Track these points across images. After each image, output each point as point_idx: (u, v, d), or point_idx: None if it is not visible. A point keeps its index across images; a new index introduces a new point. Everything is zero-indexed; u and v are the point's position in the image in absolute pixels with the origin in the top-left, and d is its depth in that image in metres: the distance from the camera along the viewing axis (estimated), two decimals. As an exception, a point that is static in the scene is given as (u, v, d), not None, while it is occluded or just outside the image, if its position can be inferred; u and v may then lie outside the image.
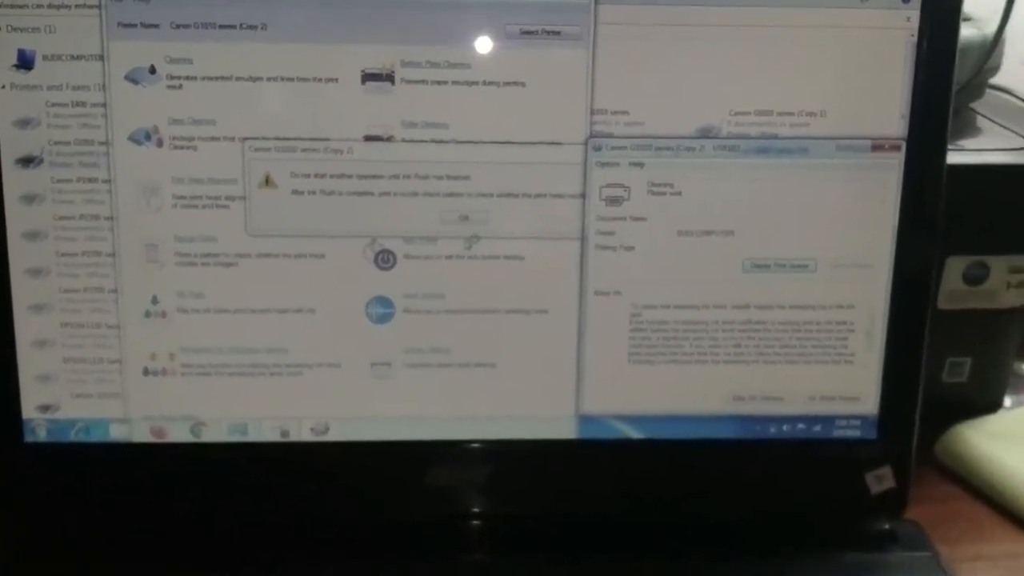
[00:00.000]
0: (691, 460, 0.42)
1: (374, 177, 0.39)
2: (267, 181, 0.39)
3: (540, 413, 0.41)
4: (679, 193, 0.40)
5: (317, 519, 0.41)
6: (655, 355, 0.41)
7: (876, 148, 0.40)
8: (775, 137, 0.40)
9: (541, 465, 0.42)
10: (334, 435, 0.41)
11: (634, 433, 0.42)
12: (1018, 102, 0.71)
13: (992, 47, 0.53)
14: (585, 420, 0.42)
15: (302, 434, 0.41)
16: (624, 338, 0.41)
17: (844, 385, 0.42)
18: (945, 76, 0.40)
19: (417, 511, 0.42)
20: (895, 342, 0.42)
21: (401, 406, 0.41)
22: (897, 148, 0.40)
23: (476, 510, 0.42)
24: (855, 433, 0.42)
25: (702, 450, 0.42)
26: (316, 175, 0.39)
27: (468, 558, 0.40)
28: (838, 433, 0.42)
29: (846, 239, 0.41)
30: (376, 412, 0.41)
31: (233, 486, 0.41)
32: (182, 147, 0.39)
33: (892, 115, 0.40)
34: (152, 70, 0.38)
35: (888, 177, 0.40)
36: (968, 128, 0.54)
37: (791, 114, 0.40)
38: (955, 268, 0.49)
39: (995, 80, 0.70)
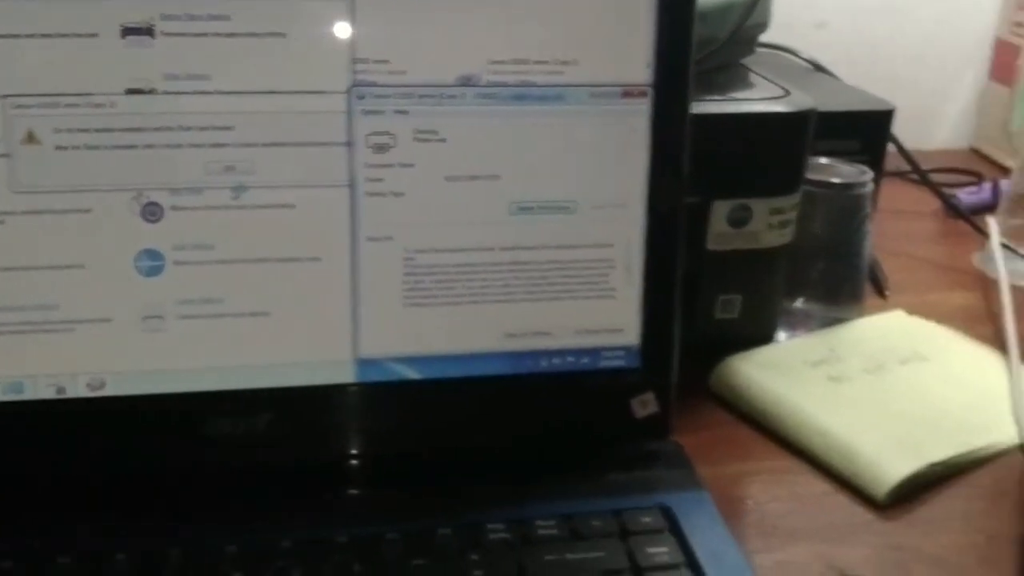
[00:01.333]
0: (468, 396, 0.44)
1: (137, 130, 0.39)
2: (30, 138, 0.39)
3: (318, 359, 0.43)
4: (444, 140, 0.42)
5: (96, 474, 0.41)
6: (429, 298, 0.43)
7: (626, 95, 0.43)
8: (532, 85, 0.42)
9: (323, 410, 0.43)
10: (110, 390, 0.41)
11: (412, 374, 0.44)
12: (800, 62, 0.76)
13: (753, 4, 0.56)
14: (363, 364, 0.43)
15: (78, 390, 0.41)
16: (398, 282, 0.43)
17: (607, 318, 0.45)
18: (686, 28, 0.43)
19: (198, 461, 0.42)
20: (652, 277, 0.45)
21: (176, 359, 0.41)
22: (644, 94, 0.43)
23: (258, 458, 0.43)
24: (619, 363, 0.45)
25: (478, 386, 0.44)
26: (79, 130, 0.39)
27: (254, 503, 0.41)
28: (604, 363, 0.45)
29: (603, 181, 0.43)
30: (151, 365, 0.41)
31: (10, 445, 0.41)
32: (-62, 103, 0.38)
33: (639, 64, 0.43)
34: (-94, 28, 0.38)
35: (638, 122, 0.43)
36: (738, 81, 0.58)
37: (546, 63, 0.42)
38: (720, 211, 0.53)
39: (780, 41, 0.75)
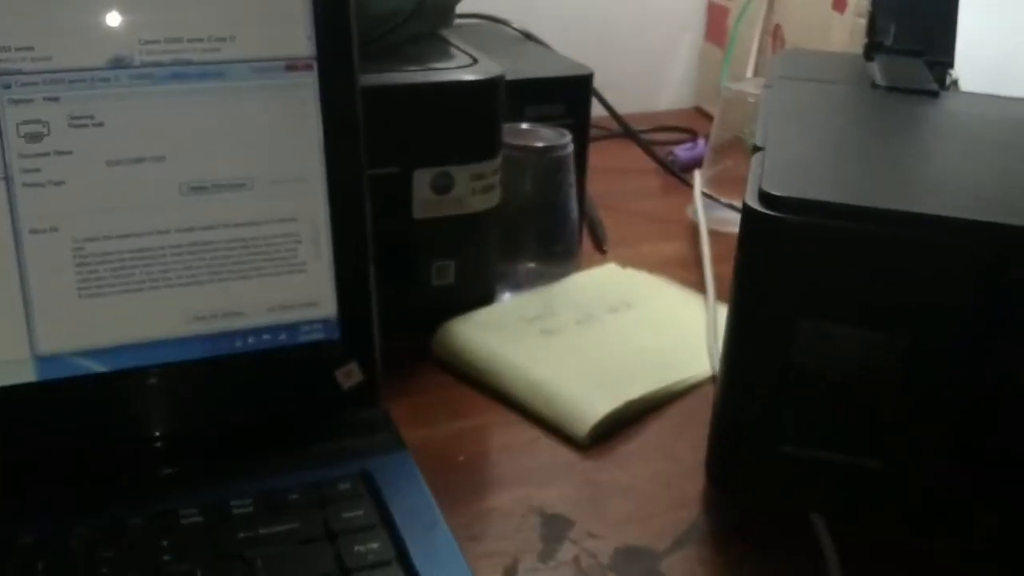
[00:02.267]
0: (162, 384, 0.43)
1: None
2: None
3: (-8, 360, 0.41)
4: (101, 124, 0.41)
5: None
6: (105, 287, 0.42)
7: (290, 68, 0.43)
8: (189, 63, 0.41)
9: (4, 412, 0.41)
10: None
11: (98, 367, 0.42)
12: (513, 32, 0.79)
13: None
14: (44, 361, 0.42)
15: None
16: (70, 274, 0.41)
17: (300, 293, 0.45)
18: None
19: None
20: (343, 248, 0.45)
21: None
22: (309, 67, 0.43)
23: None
24: (319, 336, 0.46)
25: (171, 373, 0.43)
26: None
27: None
28: (303, 338, 0.45)
29: (278, 156, 0.44)
30: None
31: None
32: None
33: (300, 37, 0.43)
34: None
35: (305, 95, 0.43)
36: (434, 51, 0.59)
37: (201, 40, 0.41)
38: (423, 179, 0.54)
39: (491, 12, 0.77)
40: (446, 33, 0.62)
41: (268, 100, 0.43)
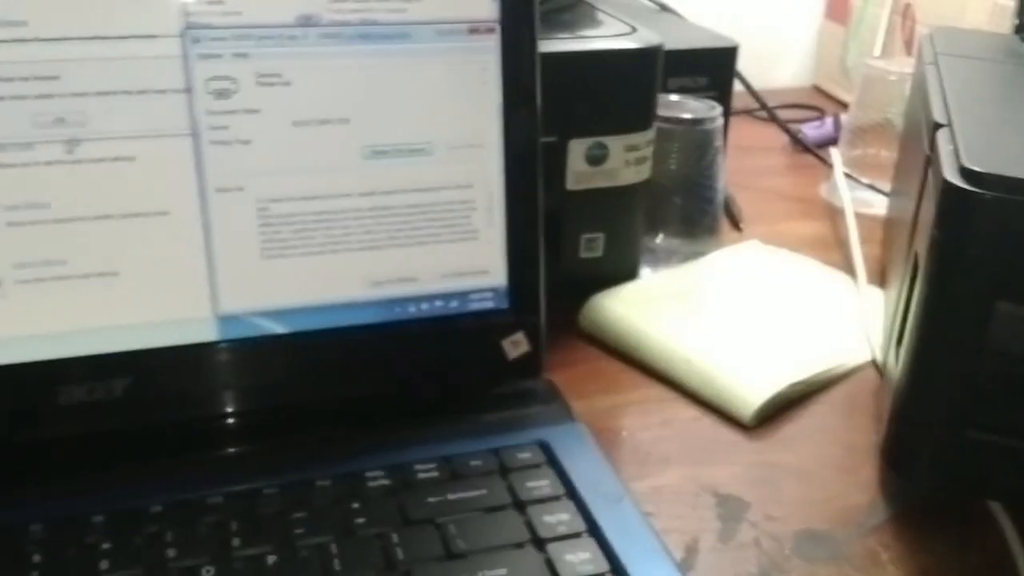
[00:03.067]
0: (337, 347, 0.43)
1: (-47, 83, 0.37)
2: None
3: (176, 318, 0.41)
4: (288, 83, 0.40)
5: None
6: (288, 248, 0.42)
7: (473, 31, 0.42)
8: (375, 23, 0.41)
9: (185, 370, 0.41)
10: (-51, 366, 0.38)
11: (277, 328, 0.42)
12: (645, 1, 0.77)
13: (597, -57, 0.57)
14: (225, 320, 0.42)
15: (-88, 365, 0.38)
16: (254, 234, 0.41)
17: (472, 261, 0.44)
18: (530, -39, 0.43)
19: (55, 432, 0.40)
20: (515, 217, 0.44)
21: (20, 325, 0.39)
22: (492, 30, 0.42)
23: (119, 424, 0.41)
24: (488, 304, 0.45)
25: (346, 336, 0.43)
26: None
27: (120, 470, 0.39)
28: (473, 306, 0.45)
29: (458, 121, 0.43)
30: (-8, 335, 0.39)
31: None
32: None
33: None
34: None
35: (487, 59, 0.43)
36: (586, 20, 0.58)
37: (388, 0, 0.41)
38: (577, 150, 0.53)
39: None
40: (592, 2, 0.61)
41: (450, 63, 0.42)
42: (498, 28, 0.42)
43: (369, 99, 0.41)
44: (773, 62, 1.05)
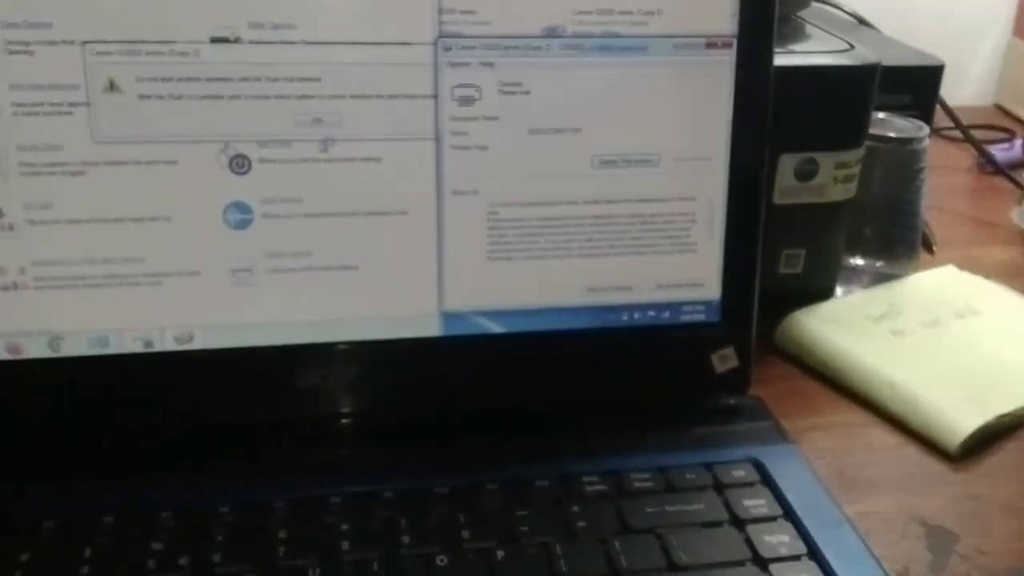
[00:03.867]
0: (551, 350, 0.44)
1: (223, 80, 0.39)
2: (111, 86, 0.38)
3: (404, 312, 0.42)
4: (528, 92, 0.41)
5: (185, 429, 0.41)
6: (513, 251, 0.43)
7: (710, 46, 0.42)
8: (616, 36, 0.41)
9: (408, 363, 0.43)
10: (199, 344, 0.41)
11: (496, 327, 0.43)
12: (842, 15, 0.76)
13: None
14: (448, 317, 0.43)
15: (165, 344, 0.41)
16: (482, 236, 0.42)
17: (689, 272, 0.45)
18: (770, -24, 0.42)
19: (290, 414, 0.42)
20: (733, 231, 0.44)
21: (265, 312, 0.41)
22: (729, 45, 0.42)
23: (346, 410, 0.43)
24: (700, 317, 0.45)
25: (561, 340, 0.44)
26: (162, 79, 0.38)
27: (340, 452, 0.41)
28: (685, 318, 0.45)
29: (686, 134, 0.43)
30: (240, 319, 0.41)
31: (97, 400, 0.41)
32: (18, 52, 0.37)
33: (724, 14, 0.42)
34: (-21, -30, 0.37)
35: (722, 73, 0.43)
36: (797, 34, 0.57)
37: (630, 13, 0.41)
38: (787, 165, 0.53)
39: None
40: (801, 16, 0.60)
41: (685, 77, 0.42)
42: (735, 43, 0.42)
43: (602, 109, 0.42)
44: (955, 79, 1.01)
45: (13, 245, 0.39)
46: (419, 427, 0.42)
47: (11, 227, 0.39)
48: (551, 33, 0.41)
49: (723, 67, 0.43)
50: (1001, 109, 1.01)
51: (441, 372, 0.44)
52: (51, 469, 0.39)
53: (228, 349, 0.41)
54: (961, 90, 1.02)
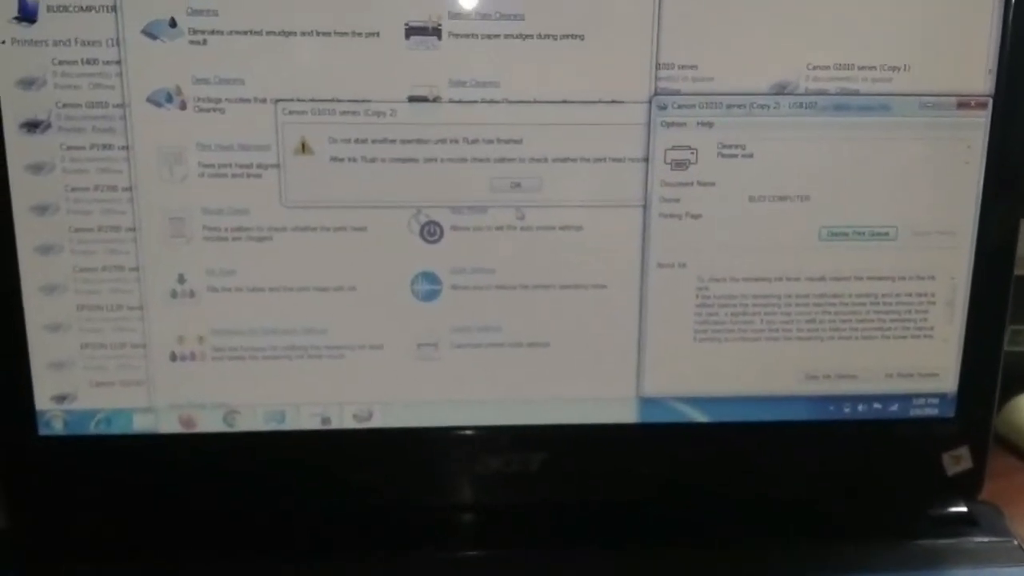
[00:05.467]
0: (760, 443, 0.39)
1: (419, 142, 0.36)
2: (303, 147, 0.36)
3: (598, 395, 0.39)
4: (751, 155, 0.37)
5: (361, 511, 0.38)
6: (722, 332, 0.38)
7: (962, 105, 0.37)
8: (856, 93, 0.36)
9: (600, 451, 0.39)
10: (378, 421, 0.38)
11: (699, 416, 0.39)
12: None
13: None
14: (647, 403, 0.39)
15: (344, 421, 0.38)
16: (689, 314, 0.38)
17: (922, 361, 0.39)
18: (1037, 28, 0.37)
19: (469, 500, 0.39)
20: (976, 315, 0.39)
21: (449, 389, 0.38)
22: (984, 106, 0.37)
23: (532, 498, 0.39)
24: (933, 412, 0.40)
25: (771, 432, 0.39)
26: (356, 140, 0.36)
27: (527, 548, 0.38)
28: (915, 412, 0.40)
29: (928, 204, 0.38)
30: (422, 396, 0.38)
31: (271, 478, 0.38)
32: (208, 109, 0.35)
33: (979, 70, 0.37)
34: (172, 23, 0.35)
35: (974, 136, 0.37)
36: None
37: (873, 68, 0.36)
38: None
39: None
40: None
41: (931, 140, 0.37)
42: (990, 103, 0.37)
43: (834, 175, 0.37)
44: None
45: (193, 313, 0.37)
46: (604, 525, 0.38)
47: (192, 294, 0.36)
48: (781, 90, 0.36)
49: (976, 129, 0.37)
50: None
51: (635, 462, 0.39)
52: (215, 545, 0.37)
53: (408, 429, 0.38)
54: None
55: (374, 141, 0.36)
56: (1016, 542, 0.39)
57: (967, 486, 0.40)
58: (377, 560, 0.37)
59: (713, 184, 0.37)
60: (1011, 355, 0.50)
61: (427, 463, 0.39)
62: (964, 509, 0.40)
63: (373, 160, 0.36)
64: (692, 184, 0.37)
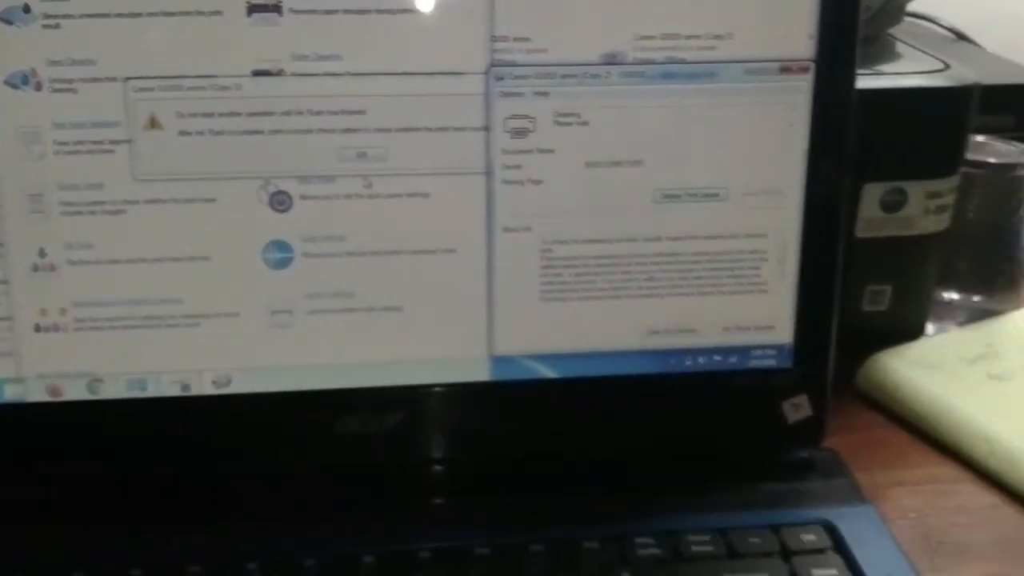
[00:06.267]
0: (607, 397, 0.41)
1: (265, 114, 0.37)
2: (152, 123, 0.37)
3: (452, 356, 0.40)
4: (586, 123, 0.39)
5: (221, 474, 0.40)
6: (567, 291, 0.40)
7: (784, 70, 0.39)
8: (682, 62, 0.39)
9: (455, 409, 0.41)
10: (237, 387, 0.39)
11: (549, 372, 0.41)
12: (940, 29, 0.71)
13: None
14: (499, 361, 0.41)
15: (204, 387, 0.39)
16: (535, 275, 0.40)
17: (758, 314, 0.41)
18: (854, -7, 0.39)
19: (326, 462, 0.40)
20: (808, 270, 0.41)
21: (305, 354, 0.39)
22: (806, 70, 0.39)
23: (388, 458, 0.41)
24: (770, 363, 0.42)
25: (618, 386, 0.41)
26: (204, 114, 0.37)
27: (382, 505, 0.39)
28: (754, 363, 0.42)
29: (756, 166, 0.40)
30: (279, 362, 0.39)
31: (134, 443, 0.39)
32: (62, 90, 0.37)
33: (800, 36, 0.39)
34: (26, 8, 0.36)
35: (798, 100, 0.39)
36: (886, 53, 0.53)
37: (697, 37, 0.38)
38: (872, 195, 0.49)
39: (919, 9, 0.70)
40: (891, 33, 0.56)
41: (757, 104, 0.39)
42: (813, 67, 0.39)
43: (666, 140, 0.39)
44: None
45: (55, 286, 0.38)
46: (462, 479, 0.40)
47: (52, 267, 0.38)
48: (611, 60, 0.38)
49: (799, 93, 0.39)
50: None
51: (489, 419, 0.41)
52: (84, 513, 0.38)
53: (266, 393, 0.39)
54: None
55: (221, 115, 0.37)
56: (848, 482, 0.41)
57: (808, 433, 0.42)
58: (239, 522, 0.38)
59: (552, 151, 0.39)
60: (870, 314, 0.53)
61: (286, 427, 0.40)
62: (805, 455, 0.42)
63: (220, 133, 0.37)
64: (532, 151, 0.39)
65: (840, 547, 0.37)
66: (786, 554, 0.37)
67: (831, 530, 0.38)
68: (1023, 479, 0.43)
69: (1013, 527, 0.42)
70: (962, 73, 0.49)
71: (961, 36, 0.69)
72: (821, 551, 0.37)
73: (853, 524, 0.38)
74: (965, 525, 0.42)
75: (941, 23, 0.70)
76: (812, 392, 0.42)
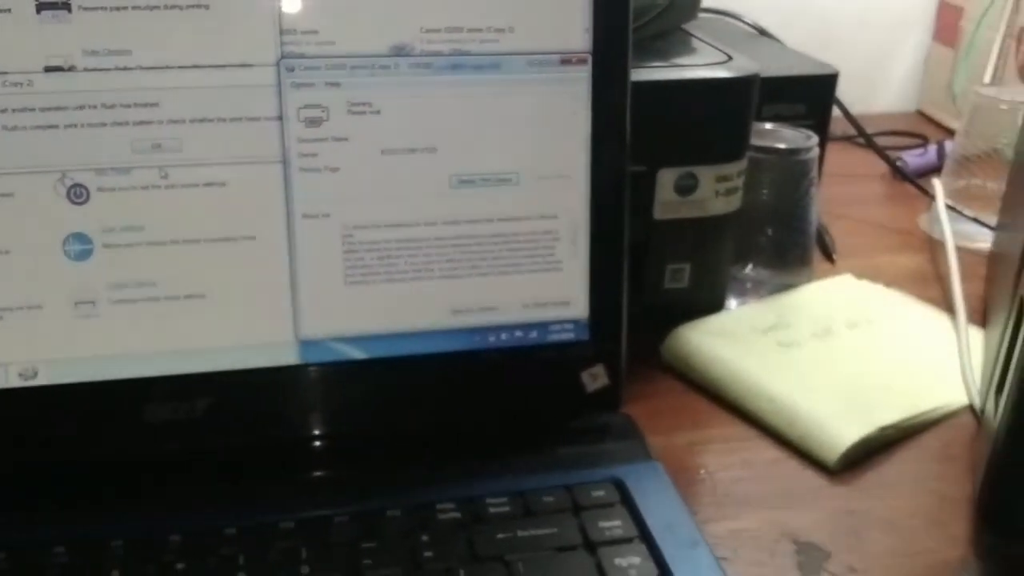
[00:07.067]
0: (415, 374, 0.43)
1: (58, 109, 0.38)
2: (-58, 119, 0.37)
3: (259, 341, 0.42)
4: (378, 112, 0.41)
5: (33, 466, 0.40)
6: (370, 275, 0.42)
7: (564, 62, 0.42)
8: (468, 54, 0.41)
9: (265, 393, 0.42)
10: (44, 379, 0.40)
11: (357, 353, 0.43)
12: (743, 26, 0.76)
13: (693, -31, 0.56)
14: (305, 345, 0.42)
15: (9, 380, 0.40)
16: (338, 260, 0.42)
17: (554, 291, 0.44)
18: (624, -8, 0.42)
19: (137, 449, 0.41)
20: (599, 248, 0.44)
21: (111, 344, 0.40)
22: (584, 61, 0.42)
23: (199, 444, 0.42)
24: (568, 336, 0.45)
25: (425, 364, 0.43)
26: (-4, 110, 0.38)
27: (195, 490, 0.40)
28: (552, 337, 0.45)
29: (545, 151, 0.43)
30: (86, 352, 0.40)
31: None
32: None
33: (577, 29, 0.42)
34: None
35: (578, 90, 0.42)
36: (681, 47, 0.57)
37: (480, 30, 0.41)
38: (667, 179, 0.53)
39: (722, 6, 0.75)
40: (689, 27, 0.60)
41: (540, 94, 0.42)
42: (590, 59, 0.42)
43: (457, 128, 0.42)
44: (875, 85, 1.01)
45: None
46: (272, 458, 0.41)
47: None
48: (399, 52, 0.40)
49: (579, 83, 0.42)
50: (923, 115, 1.01)
51: (299, 401, 0.43)
52: None
53: (74, 384, 0.40)
54: (884, 96, 1.03)
55: (14, 110, 0.38)
56: (639, 444, 0.44)
57: (606, 400, 0.45)
58: (48, 515, 0.38)
59: (347, 139, 0.41)
60: (671, 291, 0.57)
61: (96, 416, 0.41)
62: (602, 421, 0.45)
63: (14, 129, 0.38)
64: (327, 140, 0.40)
65: (626, 501, 0.40)
66: (577, 510, 0.39)
67: (620, 486, 0.41)
68: (802, 435, 0.48)
69: (792, 478, 0.46)
70: (744, 64, 0.53)
71: (763, 32, 0.74)
72: (610, 505, 0.40)
73: (640, 480, 0.41)
74: (749, 479, 0.46)
75: (744, 20, 0.75)
76: (608, 362, 0.45)
